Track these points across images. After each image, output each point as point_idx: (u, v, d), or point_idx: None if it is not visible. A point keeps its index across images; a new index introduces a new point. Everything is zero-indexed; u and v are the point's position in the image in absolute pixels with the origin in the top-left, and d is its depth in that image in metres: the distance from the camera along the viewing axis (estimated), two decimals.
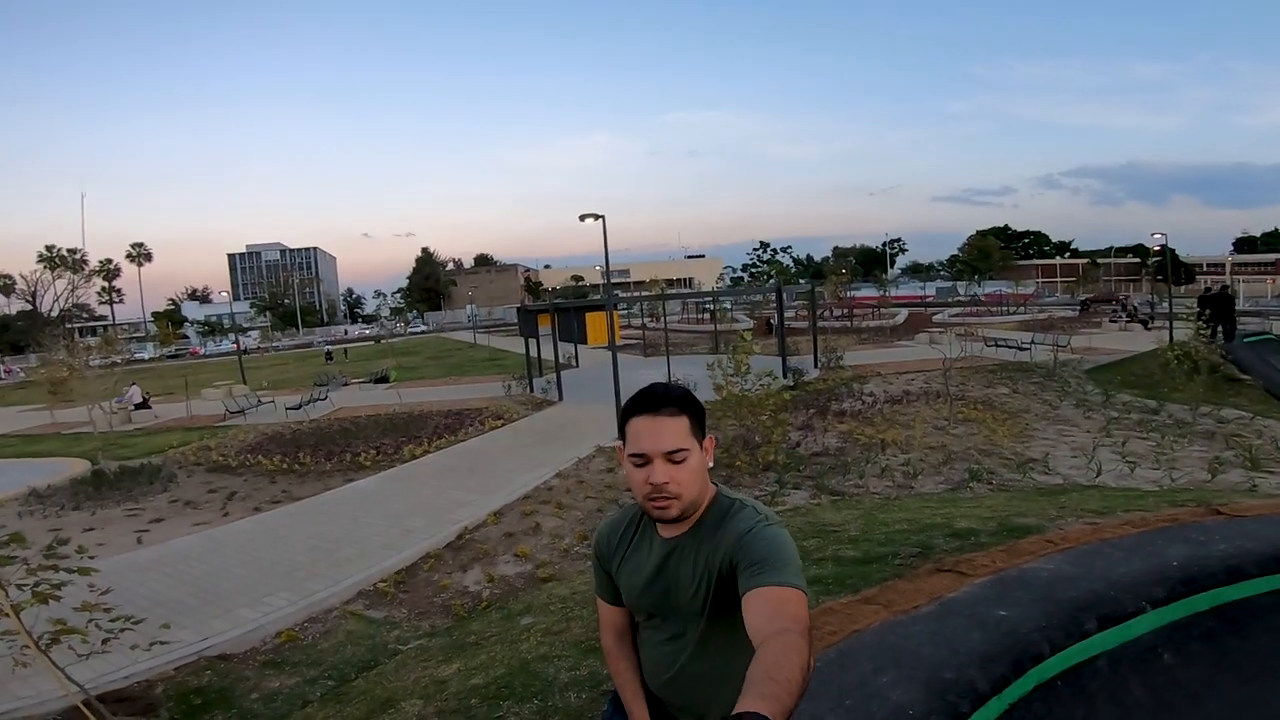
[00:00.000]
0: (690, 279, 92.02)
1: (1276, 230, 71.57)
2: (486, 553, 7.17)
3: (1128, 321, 28.03)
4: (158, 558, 7.56)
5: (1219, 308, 16.80)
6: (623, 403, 1.37)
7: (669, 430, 1.26)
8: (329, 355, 38.80)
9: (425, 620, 5.50)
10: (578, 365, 24.26)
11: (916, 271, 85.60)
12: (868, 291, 58.73)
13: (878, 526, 5.50)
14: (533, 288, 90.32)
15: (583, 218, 12.41)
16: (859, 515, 6.31)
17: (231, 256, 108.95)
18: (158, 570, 7.10)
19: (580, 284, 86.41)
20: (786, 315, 20.63)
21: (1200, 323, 14.75)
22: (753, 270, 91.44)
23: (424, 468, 11.37)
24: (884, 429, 11.42)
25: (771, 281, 60.28)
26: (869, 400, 14.41)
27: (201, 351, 57.28)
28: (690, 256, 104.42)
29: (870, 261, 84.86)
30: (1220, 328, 16.66)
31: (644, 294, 43.83)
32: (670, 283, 77.29)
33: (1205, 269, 59.05)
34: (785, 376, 16.37)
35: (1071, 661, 2.41)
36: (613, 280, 16.60)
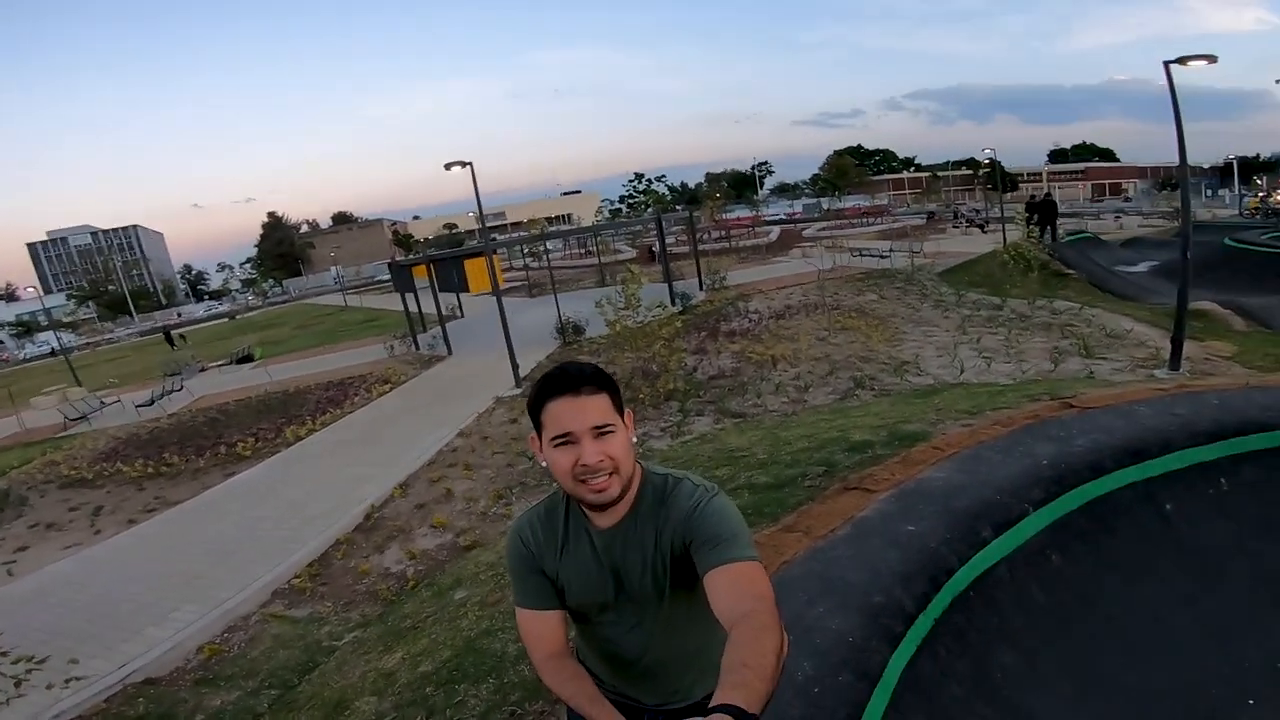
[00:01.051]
0: (569, 215, 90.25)
1: (1084, 143, 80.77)
2: (400, 529, 6.97)
3: (968, 226, 30.96)
4: (36, 587, 6.84)
5: (1044, 212, 19.04)
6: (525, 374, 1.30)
7: (593, 406, 1.19)
8: (170, 339, 34.73)
9: (353, 610, 5.32)
10: (463, 315, 23.45)
11: (784, 191, 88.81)
12: (741, 213, 60.33)
13: (782, 447, 5.80)
14: (403, 241, 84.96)
15: (449, 166, 11.66)
16: (762, 436, 6.63)
17: (32, 246, 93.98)
18: (41, 601, 6.44)
19: (454, 232, 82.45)
20: (666, 241, 20.81)
21: (1029, 226, 16.66)
22: (630, 201, 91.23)
23: (313, 448, 10.69)
24: (772, 345, 12.02)
25: (650, 211, 60.34)
26: (755, 318, 15.02)
27: (20, 355, 49.23)
28: (566, 193, 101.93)
29: (741, 184, 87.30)
30: (1047, 229, 18.88)
31: (523, 235, 42.55)
32: (550, 220, 75.51)
33: (1026, 178, 66.16)
34: (674, 303, 16.69)
35: (977, 571, 2.70)
36: (489, 224, 15.94)
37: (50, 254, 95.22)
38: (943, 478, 3.51)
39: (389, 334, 19.72)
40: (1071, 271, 16.74)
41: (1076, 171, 67.96)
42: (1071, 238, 20.64)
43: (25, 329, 61.76)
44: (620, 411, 1.24)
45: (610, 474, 1.19)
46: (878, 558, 2.78)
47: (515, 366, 12.12)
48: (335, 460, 9.69)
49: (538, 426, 1.23)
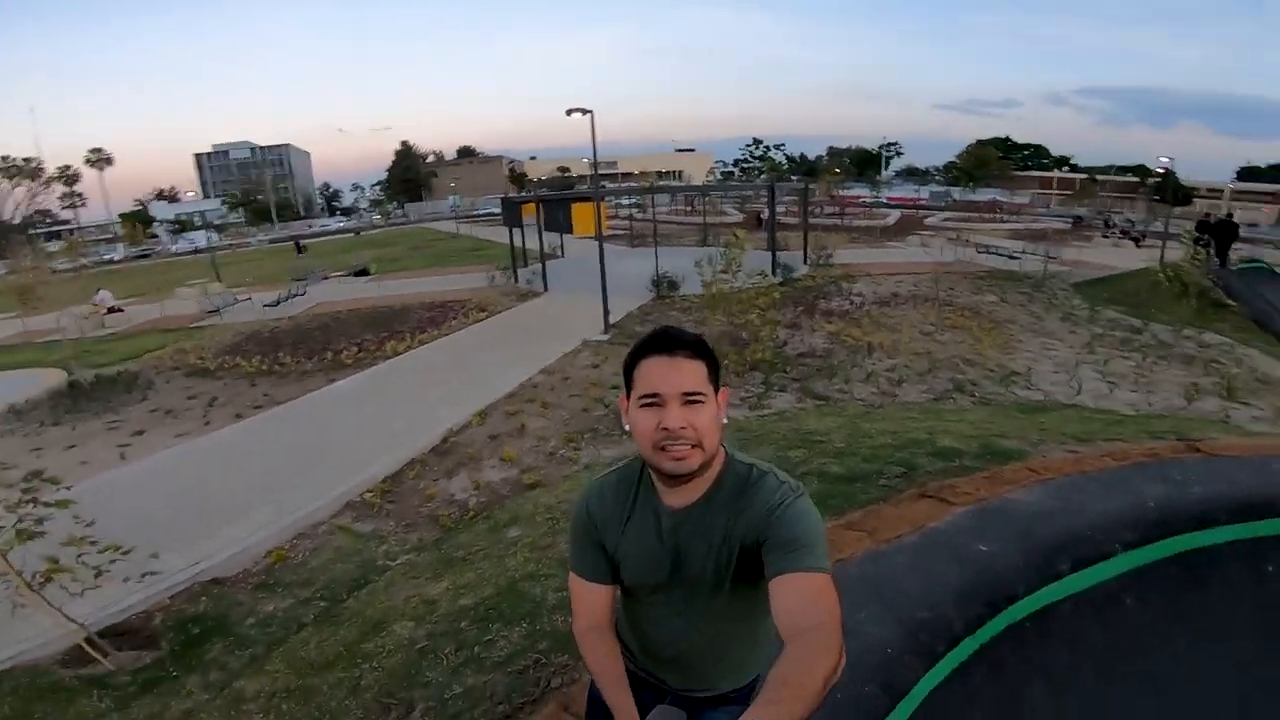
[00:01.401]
0: (680, 172, 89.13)
1: None
2: (472, 457, 7.19)
3: (1120, 237, 27.85)
4: (142, 474, 7.38)
5: (1221, 234, 16.49)
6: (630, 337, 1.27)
7: (687, 370, 1.14)
8: (299, 247, 37.47)
9: (413, 533, 5.51)
10: (563, 255, 23.86)
11: (912, 175, 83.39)
12: (861, 191, 57.29)
13: (862, 438, 5.49)
14: (518, 178, 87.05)
15: (570, 112, 11.66)
16: (843, 423, 6.32)
17: (199, 156, 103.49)
18: (143, 489, 6.92)
19: (567, 175, 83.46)
20: (777, 211, 20.11)
21: (1198, 246, 14.59)
22: (744, 165, 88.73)
23: (406, 365, 11.22)
24: (871, 331, 11.44)
25: (763, 177, 58.44)
26: (857, 301, 14.36)
27: (172, 249, 54.67)
28: (681, 150, 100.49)
29: (865, 163, 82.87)
30: (1218, 253, 16.48)
31: (632, 185, 42.36)
32: (660, 175, 74.94)
33: (1204, 193, 58.21)
34: (775, 273, 16.19)
35: (1041, 603, 2.45)
36: (600, 172, 15.95)
37: (213, 164, 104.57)
38: (1031, 501, 3.19)
39: (492, 264, 20.39)
40: (1233, 303, 14.74)
41: (1268, 193, 59.22)
42: (1242, 266, 18.06)
43: (181, 226, 68.46)
44: (716, 385, 1.19)
45: (693, 445, 1.13)
46: (938, 572, 2.58)
47: (606, 312, 12.20)
48: (426, 380, 10.10)
49: (628, 386, 1.19)
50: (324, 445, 7.76)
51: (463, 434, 7.90)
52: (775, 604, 1.04)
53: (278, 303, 17.89)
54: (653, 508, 1.26)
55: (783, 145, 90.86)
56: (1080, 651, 2.46)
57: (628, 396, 1.19)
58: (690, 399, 1.13)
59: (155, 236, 65.40)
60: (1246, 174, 69.86)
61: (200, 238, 47.38)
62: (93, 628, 4.07)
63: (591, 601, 1.33)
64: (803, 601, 1.02)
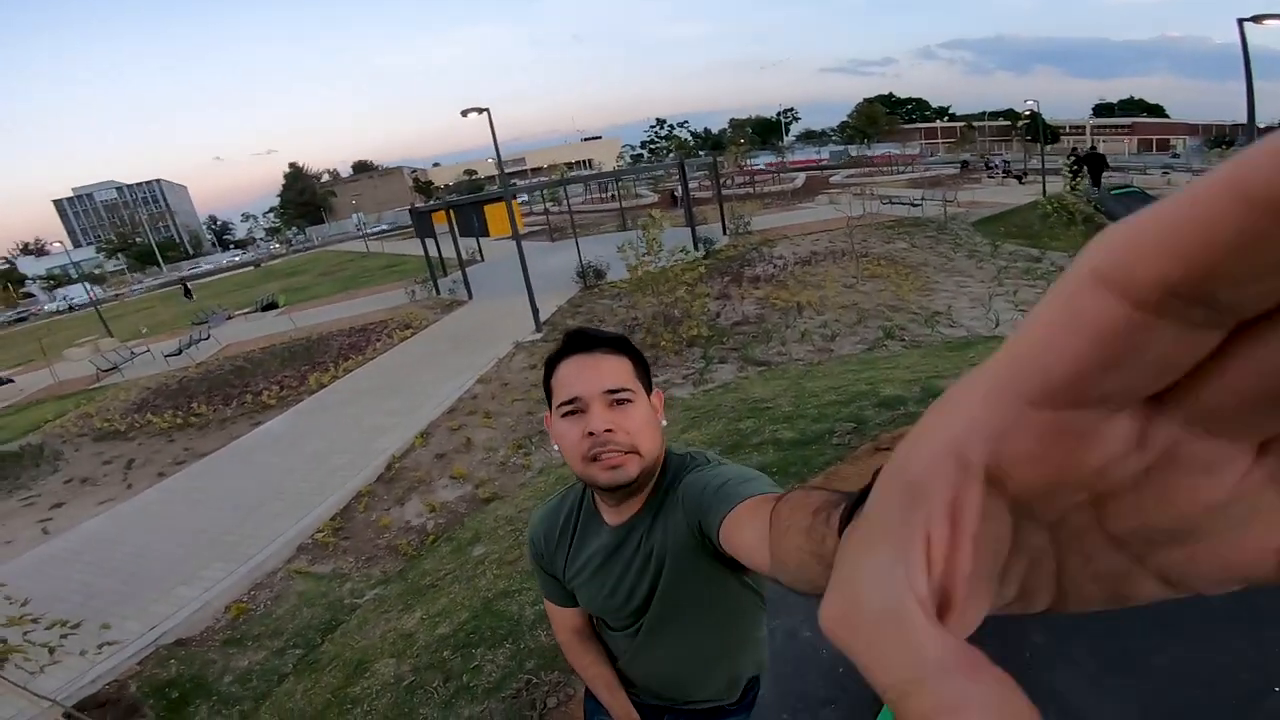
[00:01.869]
0: (589, 160, 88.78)
1: (1131, 98, 77.44)
2: (421, 480, 6.95)
3: (1004, 177, 29.68)
4: (71, 547, 6.91)
5: (1093, 165, 18.17)
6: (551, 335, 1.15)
7: (607, 367, 1.01)
8: (187, 290, 35.00)
9: (375, 566, 5.31)
10: (483, 259, 23.35)
11: (811, 138, 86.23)
12: (766, 159, 58.55)
13: (808, 399, 5.60)
14: (423, 188, 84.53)
15: (465, 113, 11.31)
16: (787, 385, 6.45)
17: (59, 202, 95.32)
18: (77, 560, 6.49)
19: (474, 178, 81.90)
20: (690, 187, 20.29)
21: (1077, 179, 15.87)
22: (652, 147, 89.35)
23: (334, 397, 10.70)
24: (798, 291, 11.70)
25: (672, 156, 58.85)
26: (780, 263, 14.63)
27: (50, 308, 50.13)
28: (587, 139, 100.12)
29: (766, 131, 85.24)
30: (1093, 183, 18.06)
31: (543, 180, 41.75)
32: (569, 166, 74.31)
33: (1068, 131, 63.19)
34: (696, 248, 16.34)
35: None
36: (508, 170, 15.59)
37: (76, 209, 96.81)
38: None
39: (410, 279, 19.70)
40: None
41: (1123, 126, 64.75)
42: (1117, 191, 19.73)
43: (55, 282, 63.05)
44: (647, 385, 1.07)
45: (627, 451, 0.98)
46: None
47: (535, 310, 12.00)
48: (358, 409, 9.68)
49: (549, 398, 1.06)
50: (262, 492, 7.35)
51: (407, 458, 7.61)
52: (737, 539, 0.77)
53: (180, 351, 16.69)
54: (595, 530, 1.14)
55: (686, 122, 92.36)
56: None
57: (551, 407, 1.05)
58: (616, 398, 0.99)
59: (31, 295, 60.07)
60: (1101, 110, 76.26)
61: (78, 292, 43.66)
62: (67, 701, 3.74)
63: (566, 618, 1.27)
64: (757, 510, 0.75)
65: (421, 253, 19.21)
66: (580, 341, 1.04)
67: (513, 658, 2.85)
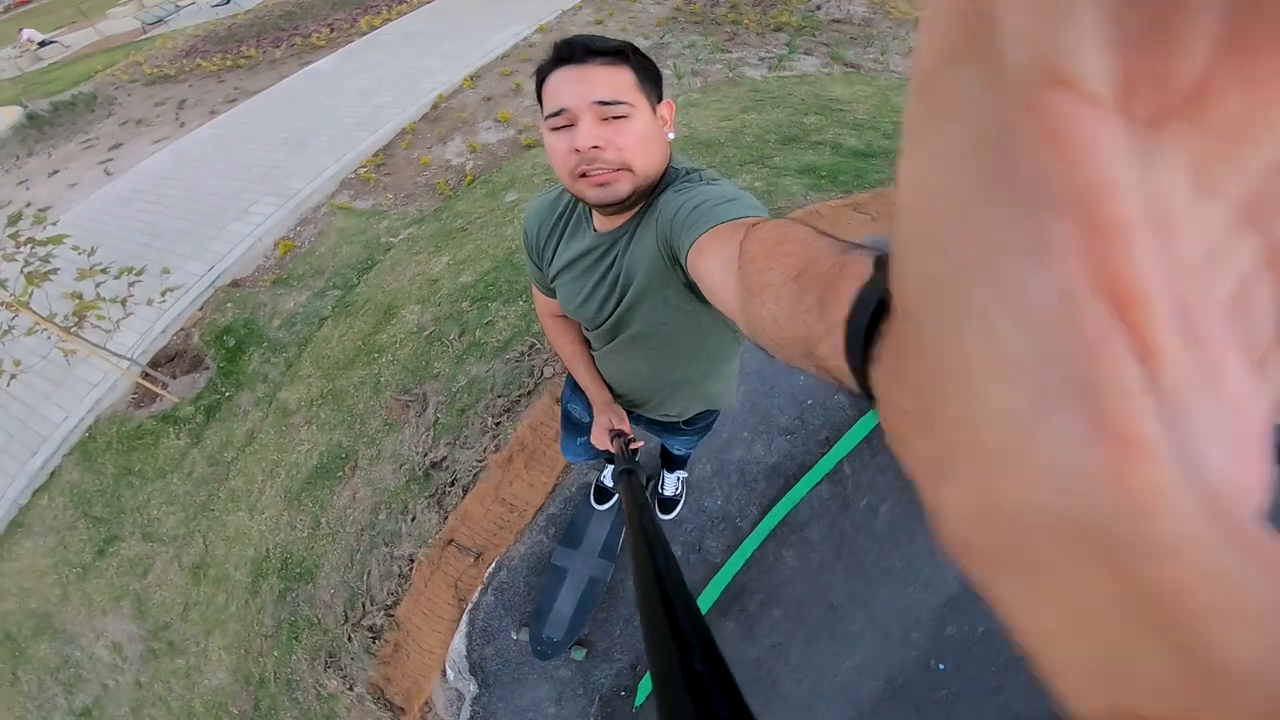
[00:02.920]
0: None
1: None
2: (465, 120, 6.48)
3: None
4: (132, 186, 7.14)
5: None
6: None
7: (599, 78, 0.85)
8: None
9: (411, 204, 5.20)
10: None
11: None
12: None
13: (889, 112, 4.82)
14: None
15: None
16: (872, 94, 5.50)
17: None
18: (138, 199, 6.74)
19: None
20: None
21: None
22: None
23: (387, 37, 9.92)
24: (922, 6, 8.62)
25: None
26: None
27: None
28: None
29: None
30: None
31: None
32: None
33: None
34: None
35: None
36: None
37: None
38: None
39: None
40: None
41: None
42: None
43: None
44: (651, 96, 0.90)
45: (618, 169, 0.87)
46: None
47: None
48: (409, 51, 8.98)
49: (541, 106, 0.91)
50: (308, 128, 7.23)
51: (454, 98, 7.07)
52: (705, 266, 0.63)
53: (227, 0, 15.42)
54: (582, 233, 1.06)
55: None
56: None
57: (542, 118, 0.92)
58: (610, 112, 0.85)
59: None
60: None
61: None
62: (142, 359, 4.14)
63: (549, 305, 1.26)
64: (728, 236, 0.61)
65: None
66: (572, 50, 0.88)
67: (522, 317, 2.75)
